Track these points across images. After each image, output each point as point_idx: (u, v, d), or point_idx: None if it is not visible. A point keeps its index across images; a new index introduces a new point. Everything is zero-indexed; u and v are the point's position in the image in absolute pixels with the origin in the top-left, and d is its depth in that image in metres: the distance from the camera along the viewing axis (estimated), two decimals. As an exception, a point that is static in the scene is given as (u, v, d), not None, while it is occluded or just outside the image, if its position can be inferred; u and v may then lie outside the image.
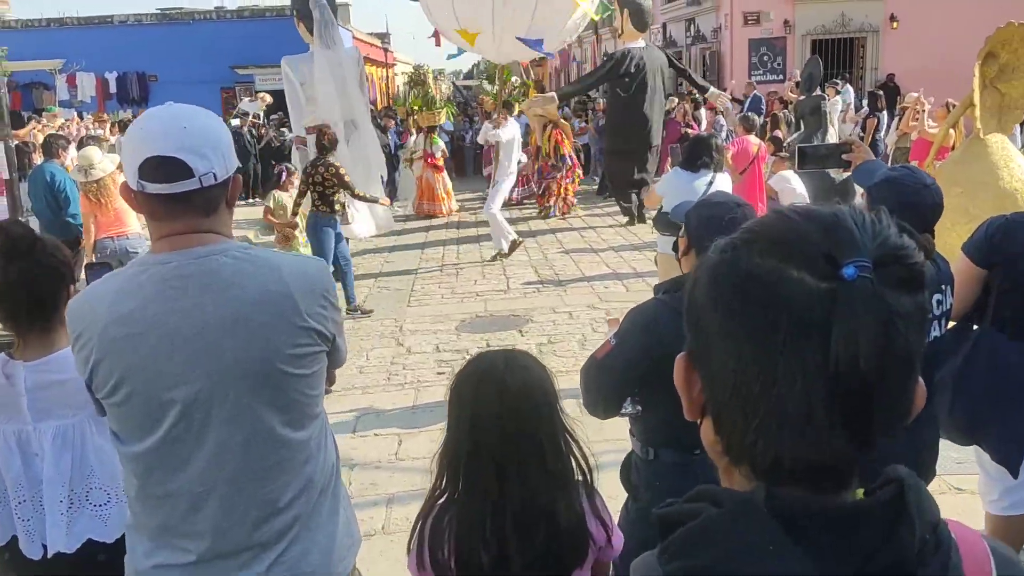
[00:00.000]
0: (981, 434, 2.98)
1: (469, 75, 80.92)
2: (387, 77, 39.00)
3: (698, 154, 5.70)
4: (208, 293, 1.66)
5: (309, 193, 7.99)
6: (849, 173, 3.15)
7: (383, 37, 47.38)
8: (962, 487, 4.17)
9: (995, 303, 2.89)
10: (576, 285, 9.22)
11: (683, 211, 2.44)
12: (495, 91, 15.60)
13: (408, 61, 40.48)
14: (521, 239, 10.92)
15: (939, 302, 2.65)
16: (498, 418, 1.75)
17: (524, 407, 1.76)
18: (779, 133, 12.68)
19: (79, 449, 2.12)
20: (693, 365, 0.86)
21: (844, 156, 3.00)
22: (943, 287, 2.67)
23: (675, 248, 2.46)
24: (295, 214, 8.25)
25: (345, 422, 5.53)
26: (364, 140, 10.51)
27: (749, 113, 11.75)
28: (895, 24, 22.54)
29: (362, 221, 10.31)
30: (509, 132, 11.55)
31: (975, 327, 3.00)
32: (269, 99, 18.38)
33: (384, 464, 4.89)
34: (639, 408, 2.38)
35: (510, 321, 7.88)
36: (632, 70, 12.68)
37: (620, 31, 13.38)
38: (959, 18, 18.91)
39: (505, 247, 10.73)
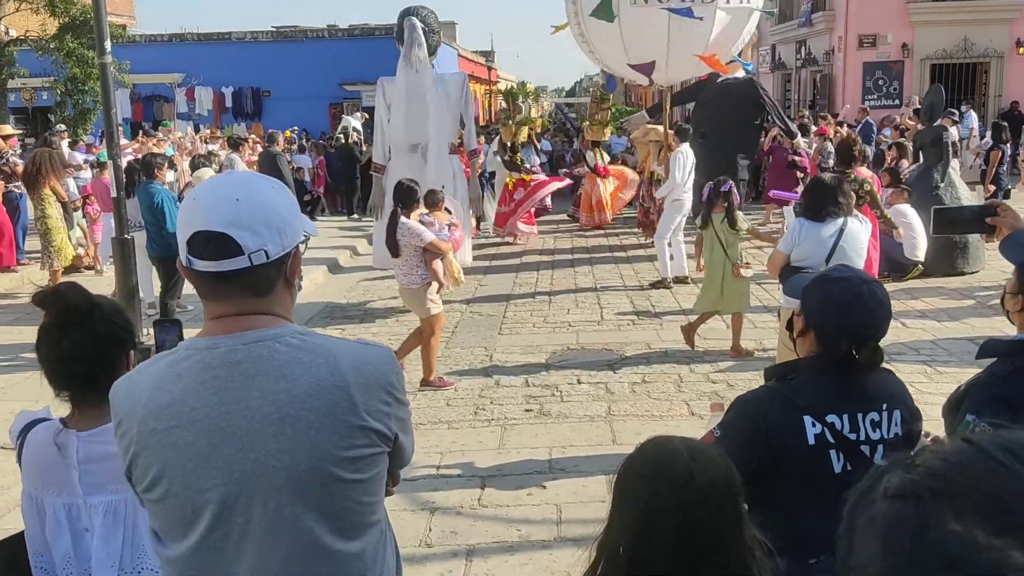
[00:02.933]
0: None
1: (571, 92, 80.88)
2: (490, 94, 39.33)
3: (822, 202, 5.01)
4: (254, 385, 1.50)
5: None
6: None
7: (487, 55, 47.95)
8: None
9: None
10: (673, 319, 8.84)
11: (799, 286, 2.15)
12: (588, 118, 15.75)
13: (511, 79, 40.72)
14: (670, 283, 10.36)
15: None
16: (677, 522, 1.49)
17: (709, 510, 1.50)
18: (905, 163, 12.01)
19: (131, 527, 1.97)
20: None
21: (988, 220, 2.63)
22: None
23: (789, 326, 2.18)
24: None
25: (429, 461, 5.37)
26: (437, 166, 9.98)
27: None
28: (1021, 50, 21.38)
29: (466, 248, 10.29)
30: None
31: None
32: (366, 116, 19.04)
33: (466, 511, 4.69)
34: (746, 507, 2.11)
35: (602, 355, 7.62)
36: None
37: None
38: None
39: (668, 276, 10.34)
